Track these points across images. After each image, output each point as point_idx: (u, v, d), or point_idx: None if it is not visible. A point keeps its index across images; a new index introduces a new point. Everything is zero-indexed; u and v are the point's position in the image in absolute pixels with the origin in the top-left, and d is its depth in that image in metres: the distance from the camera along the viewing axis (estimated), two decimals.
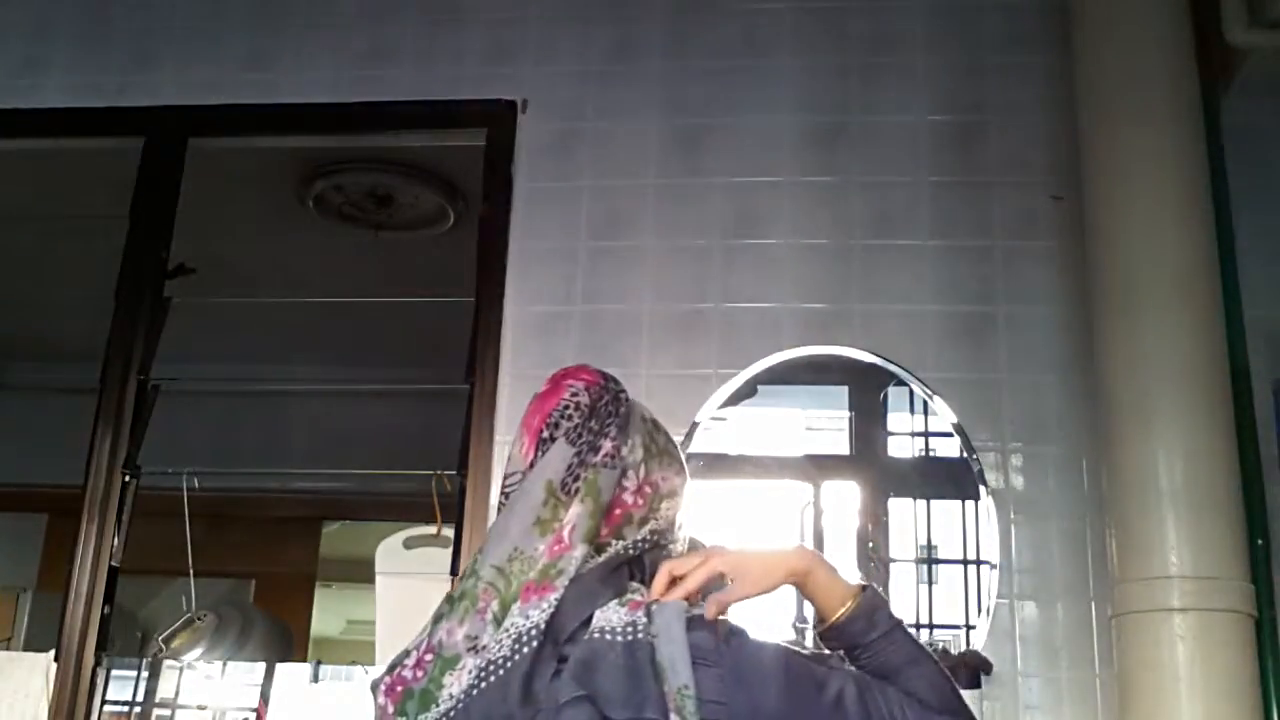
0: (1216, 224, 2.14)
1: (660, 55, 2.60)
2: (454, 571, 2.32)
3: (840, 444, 2.51)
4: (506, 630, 1.07)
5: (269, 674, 2.53)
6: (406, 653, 1.14)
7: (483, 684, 1.05)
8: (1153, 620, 1.89)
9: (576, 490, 1.15)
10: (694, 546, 1.22)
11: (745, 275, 2.44)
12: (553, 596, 1.08)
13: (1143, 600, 1.91)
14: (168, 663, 2.65)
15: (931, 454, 2.46)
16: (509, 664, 1.05)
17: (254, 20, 2.76)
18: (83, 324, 2.75)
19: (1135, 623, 1.93)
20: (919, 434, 2.46)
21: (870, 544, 2.37)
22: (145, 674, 2.59)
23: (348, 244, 3.54)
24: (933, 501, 2.42)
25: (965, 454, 2.30)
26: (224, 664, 2.67)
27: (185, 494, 2.85)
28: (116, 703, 2.52)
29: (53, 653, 2.40)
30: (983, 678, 2.09)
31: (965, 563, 2.31)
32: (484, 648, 1.08)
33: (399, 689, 1.11)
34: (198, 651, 3.17)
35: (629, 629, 1.07)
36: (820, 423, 2.54)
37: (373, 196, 3.33)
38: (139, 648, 3.86)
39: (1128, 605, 1.95)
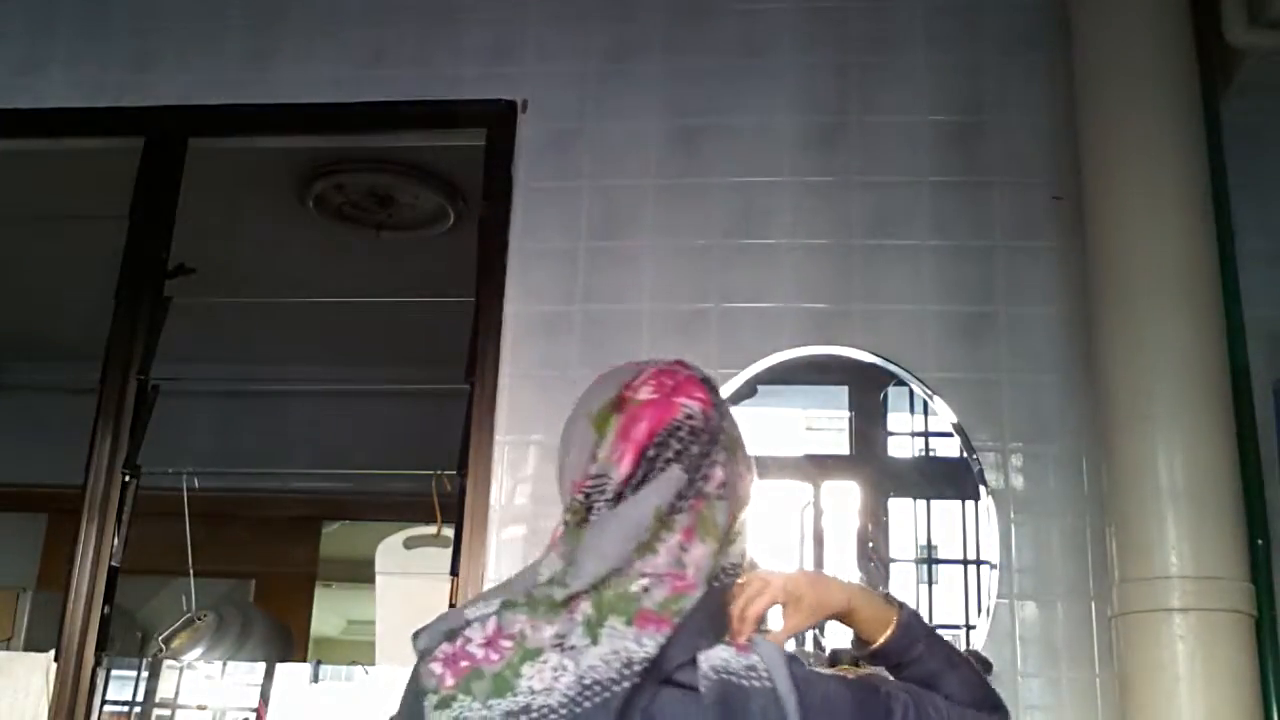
0: (1216, 224, 2.14)
1: (660, 55, 2.60)
2: (454, 571, 2.32)
3: (840, 444, 2.51)
4: (616, 653, 1.04)
5: (269, 674, 2.53)
6: (466, 623, 1.10)
7: (586, 702, 1.03)
8: (1153, 620, 1.89)
9: (680, 517, 1.11)
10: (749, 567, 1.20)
11: (745, 275, 2.44)
12: (668, 631, 1.05)
13: (1143, 600, 1.91)
14: (168, 663, 2.65)
15: (931, 454, 2.46)
16: (616, 688, 1.03)
17: (254, 20, 2.76)
18: (83, 324, 2.75)
19: (1135, 623, 1.93)
20: (919, 434, 2.46)
21: (870, 544, 2.37)
22: (145, 674, 2.59)
23: (348, 244, 3.55)
24: (933, 501, 2.42)
25: (965, 454, 2.30)
26: (224, 664, 2.67)
27: (185, 494, 2.86)
28: (116, 703, 2.52)
29: (53, 652, 2.40)
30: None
31: (965, 563, 2.31)
32: (572, 648, 1.05)
33: (464, 664, 1.07)
34: (198, 651, 3.17)
35: (751, 673, 1.05)
36: (820, 423, 2.53)
37: (373, 196, 3.33)
38: (139, 648, 3.86)
39: (1128, 605, 1.95)
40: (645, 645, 1.04)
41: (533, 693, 1.04)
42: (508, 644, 1.07)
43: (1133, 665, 1.93)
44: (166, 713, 2.56)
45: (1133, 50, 2.19)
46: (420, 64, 2.67)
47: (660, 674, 1.05)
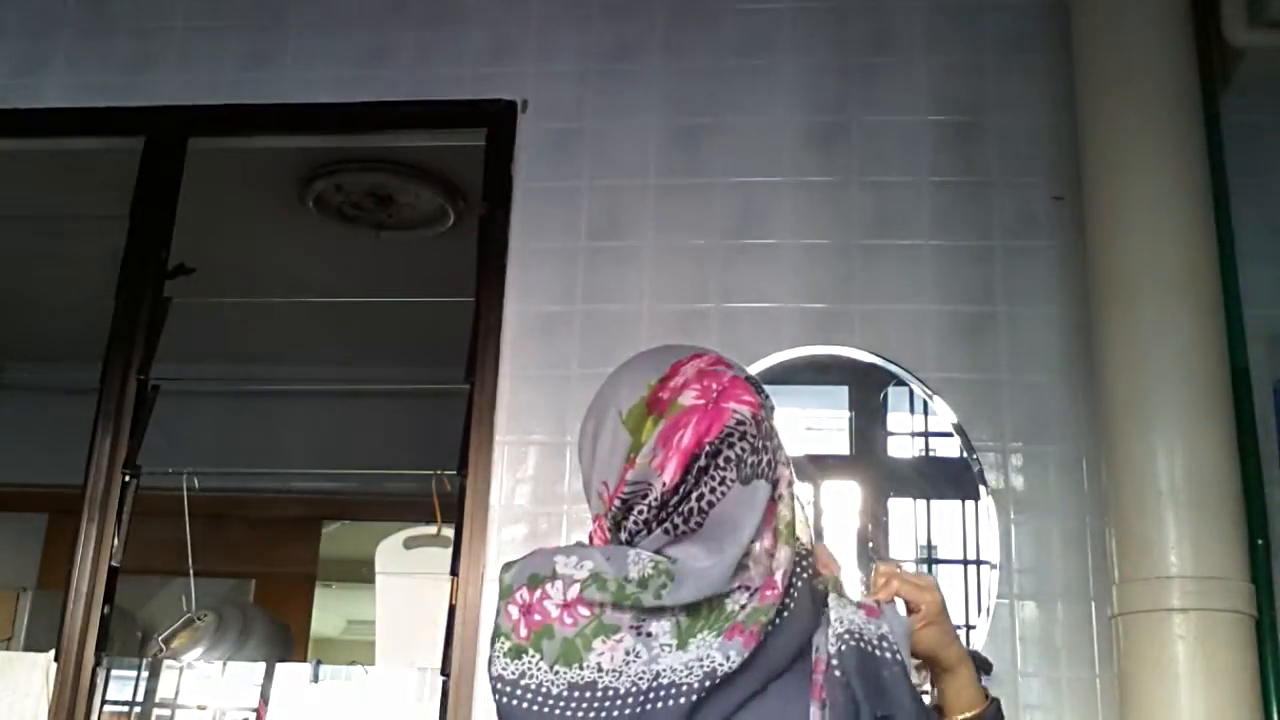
0: (1216, 224, 2.14)
1: (660, 55, 2.60)
2: (454, 571, 2.32)
3: (840, 444, 2.50)
4: (701, 661, 1.02)
5: (269, 674, 2.54)
6: (553, 576, 1.07)
7: (659, 702, 1.01)
8: (1153, 620, 1.89)
9: (771, 528, 1.10)
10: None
11: (745, 275, 2.44)
12: (754, 645, 1.03)
13: (1143, 600, 1.91)
14: (168, 663, 2.65)
15: (931, 454, 2.46)
16: (694, 695, 1.01)
17: (254, 20, 2.76)
18: (83, 324, 2.75)
19: (1135, 623, 1.93)
20: (919, 434, 2.46)
21: (870, 544, 2.37)
22: (145, 674, 2.59)
23: (348, 244, 3.55)
24: (933, 501, 2.42)
25: (965, 454, 2.30)
26: (224, 664, 2.68)
27: (185, 494, 2.86)
28: (116, 703, 2.52)
29: (53, 653, 2.40)
30: (983, 678, 2.08)
31: (965, 563, 2.31)
32: (649, 635, 1.04)
33: (537, 619, 1.06)
34: (198, 651, 3.17)
35: (884, 643, 1.07)
36: (820, 423, 2.53)
37: (373, 196, 3.33)
38: (139, 648, 3.86)
39: (1128, 605, 1.95)
40: (731, 658, 1.02)
41: (600, 670, 1.03)
42: (585, 612, 1.05)
43: (1133, 665, 1.93)
44: (166, 713, 2.56)
45: (1132, 50, 2.19)
46: (420, 64, 2.67)
47: (766, 673, 1.05)
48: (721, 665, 1.01)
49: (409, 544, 2.88)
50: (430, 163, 3.20)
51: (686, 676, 1.01)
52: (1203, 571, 1.88)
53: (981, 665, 2.10)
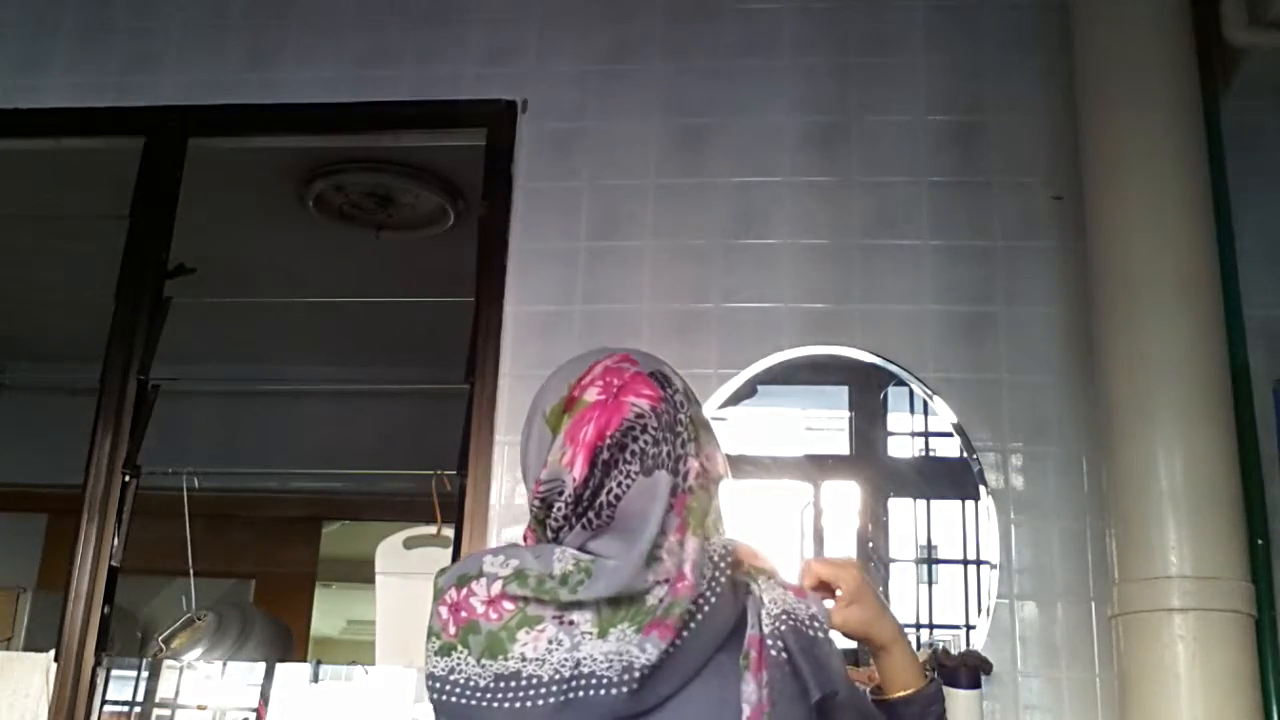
0: (1216, 224, 2.14)
1: (660, 55, 2.61)
2: None
3: (840, 444, 2.51)
4: (620, 655, 1.04)
5: (269, 674, 2.53)
6: (479, 574, 1.10)
7: (581, 691, 1.04)
8: (1153, 620, 1.89)
9: (671, 516, 1.11)
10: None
11: (745, 275, 2.44)
12: (670, 636, 1.05)
13: (1143, 600, 1.91)
14: (168, 663, 2.65)
15: (931, 454, 2.46)
16: (614, 690, 1.03)
17: (254, 20, 2.76)
18: (83, 324, 2.75)
19: (1135, 623, 1.93)
20: (919, 434, 2.46)
21: (870, 544, 2.37)
22: (145, 674, 2.59)
23: (348, 244, 3.54)
24: (933, 501, 2.42)
25: (965, 454, 2.30)
26: (224, 664, 2.67)
27: (185, 494, 2.86)
28: (116, 703, 2.52)
29: (53, 653, 2.40)
30: (983, 678, 2.09)
31: (965, 563, 2.31)
32: (572, 623, 1.06)
33: (464, 615, 1.09)
34: (198, 651, 3.17)
35: (814, 622, 1.11)
36: (820, 423, 2.53)
37: (373, 196, 3.33)
38: (139, 648, 3.86)
39: (1128, 605, 1.95)
40: (648, 651, 1.04)
41: (524, 660, 1.05)
42: (510, 606, 1.08)
43: (1133, 665, 1.93)
44: (166, 713, 2.56)
45: (1133, 50, 2.19)
46: (420, 64, 2.67)
47: (695, 660, 1.07)
48: (638, 659, 1.03)
49: (409, 544, 2.87)
50: (430, 163, 3.20)
51: (606, 669, 1.04)
52: (1203, 571, 1.88)
53: (981, 665, 2.10)
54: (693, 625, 1.06)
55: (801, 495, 2.43)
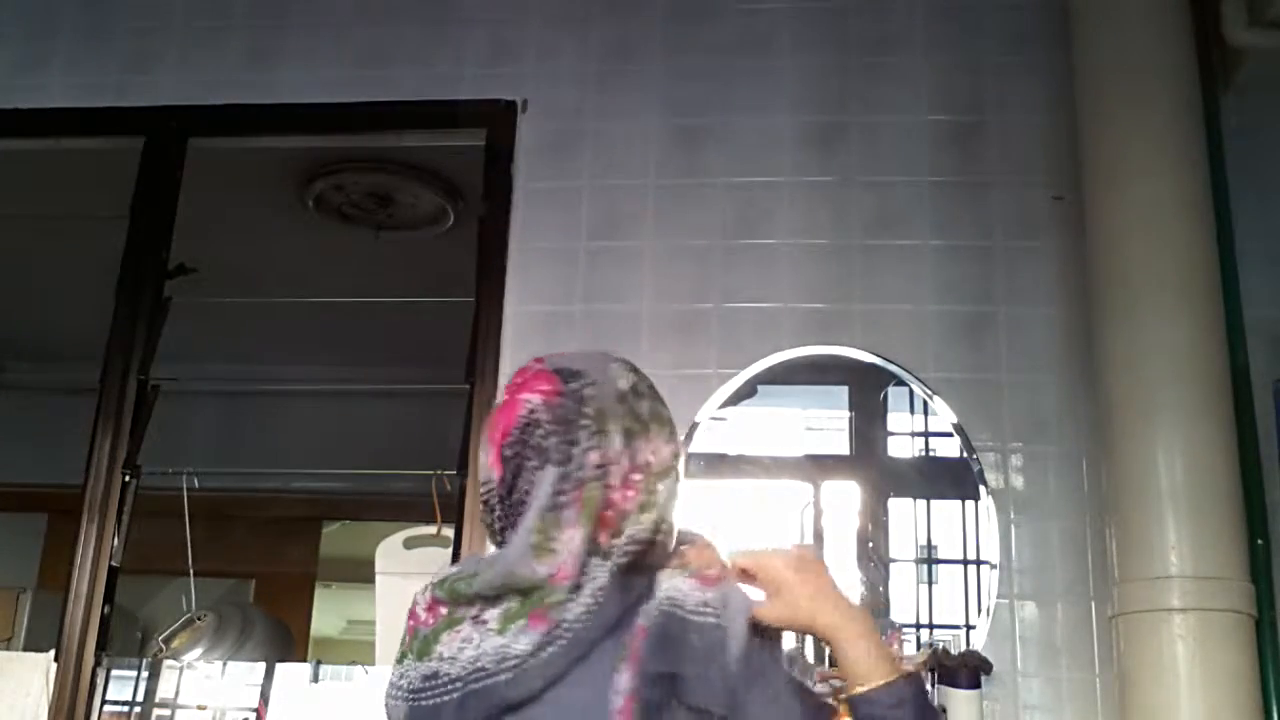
0: (1216, 224, 2.14)
1: (660, 55, 2.61)
2: None
3: (840, 444, 2.51)
4: (505, 646, 1.08)
5: (269, 674, 2.53)
6: (428, 585, 1.17)
7: (476, 684, 1.08)
8: (1153, 620, 1.89)
9: (566, 512, 1.11)
10: (684, 540, 1.19)
11: (745, 275, 2.44)
12: (545, 627, 1.07)
13: (1143, 600, 1.91)
14: (168, 663, 2.65)
15: (931, 454, 2.46)
16: (496, 679, 1.07)
17: (254, 20, 2.76)
18: (83, 324, 2.75)
19: (1135, 623, 1.93)
20: (919, 434, 2.46)
21: (870, 544, 2.37)
22: (145, 674, 2.59)
23: (348, 244, 3.54)
24: (933, 501, 2.42)
25: (965, 454, 2.30)
26: (224, 664, 2.67)
27: (185, 494, 2.86)
28: (116, 703, 2.51)
29: (53, 653, 2.40)
30: (983, 678, 2.09)
31: (965, 563, 2.31)
32: (484, 623, 1.10)
33: (412, 624, 1.16)
34: (198, 651, 3.16)
35: (703, 609, 1.08)
36: (820, 423, 2.53)
37: (373, 196, 3.33)
38: (139, 648, 3.85)
39: (1128, 605, 1.95)
40: (521, 642, 1.07)
41: (442, 659, 1.11)
42: (443, 611, 1.14)
43: (1133, 665, 1.93)
44: (166, 713, 2.56)
45: (1133, 50, 2.19)
46: (420, 64, 2.67)
47: (576, 649, 1.07)
48: (514, 650, 1.07)
49: (409, 544, 2.87)
50: (430, 163, 3.20)
51: (491, 661, 1.08)
52: (1203, 571, 1.88)
53: (981, 665, 2.10)
54: (569, 616, 1.07)
55: (801, 495, 2.43)
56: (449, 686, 1.09)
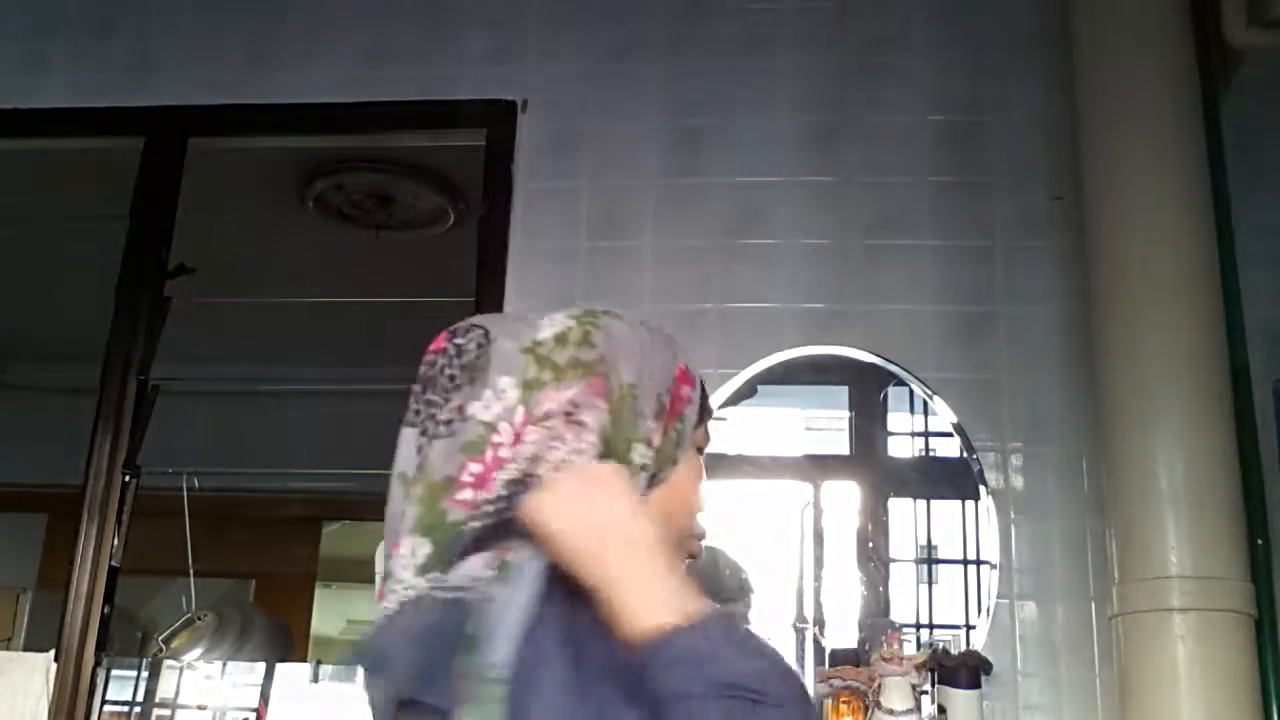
0: (1216, 224, 2.14)
1: (660, 55, 2.60)
2: None
3: (840, 444, 2.51)
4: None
5: (269, 674, 2.53)
6: None
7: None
8: (1153, 620, 1.89)
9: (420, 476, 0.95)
10: None
11: (745, 275, 2.44)
12: (383, 604, 0.93)
13: (1143, 600, 1.91)
14: (168, 663, 2.65)
15: (931, 454, 2.47)
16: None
17: (254, 20, 2.76)
18: (83, 324, 2.75)
19: (1135, 623, 1.93)
20: (919, 434, 2.46)
21: (870, 544, 2.37)
22: (145, 674, 2.59)
23: (348, 244, 3.54)
24: (933, 501, 2.42)
25: (965, 454, 2.30)
26: (224, 664, 2.67)
27: (185, 494, 2.86)
28: (116, 703, 2.52)
29: (53, 653, 2.40)
30: (983, 678, 2.09)
31: (965, 563, 2.32)
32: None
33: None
34: (198, 651, 3.16)
35: (462, 586, 0.87)
36: (820, 423, 2.54)
37: (373, 196, 3.33)
38: (139, 648, 3.85)
39: (1128, 605, 1.94)
40: (374, 612, 0.95)
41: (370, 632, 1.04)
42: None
43: (1133, 665, 1.93)
44: (166, 713, 2.56)
45: (1133, 50, 2.19)
46: (420, 64, 2.67)
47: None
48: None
49: None
50: (430, 163, 3.20)
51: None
52: (1203, 571, 1.88)
53: (981, 665, 2.10)
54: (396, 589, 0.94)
55: (801, 495, 2.43)
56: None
